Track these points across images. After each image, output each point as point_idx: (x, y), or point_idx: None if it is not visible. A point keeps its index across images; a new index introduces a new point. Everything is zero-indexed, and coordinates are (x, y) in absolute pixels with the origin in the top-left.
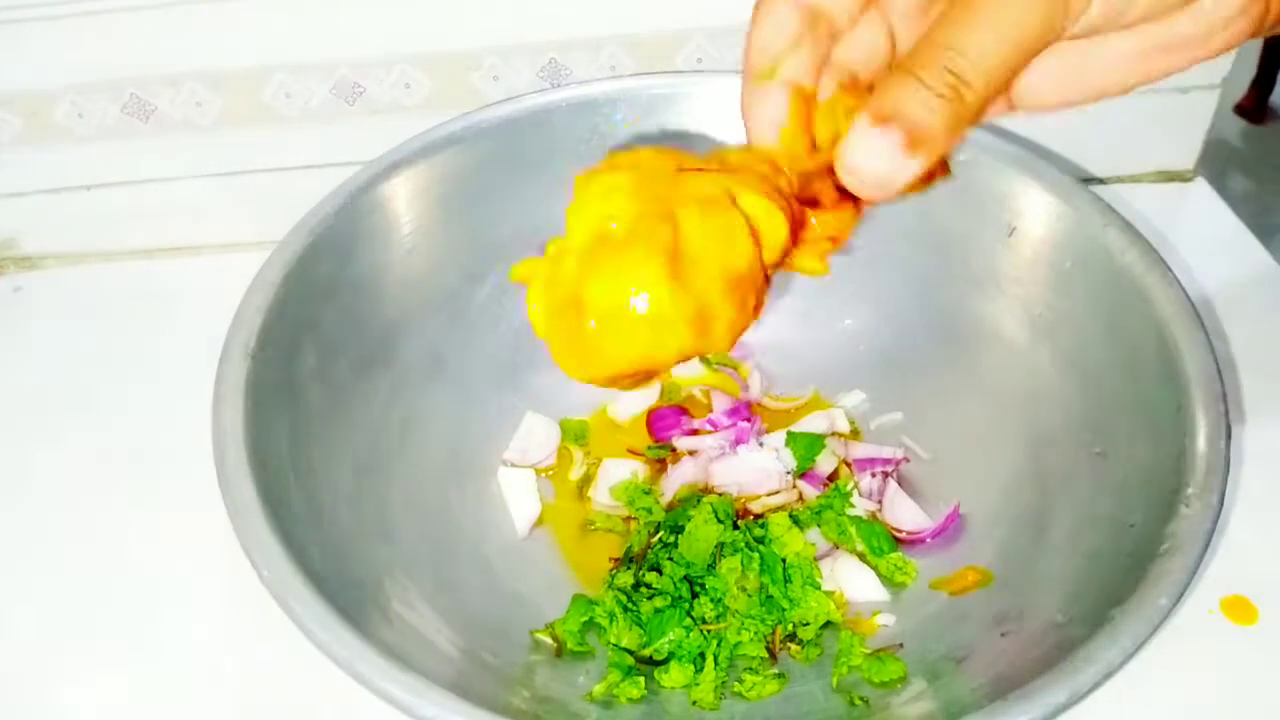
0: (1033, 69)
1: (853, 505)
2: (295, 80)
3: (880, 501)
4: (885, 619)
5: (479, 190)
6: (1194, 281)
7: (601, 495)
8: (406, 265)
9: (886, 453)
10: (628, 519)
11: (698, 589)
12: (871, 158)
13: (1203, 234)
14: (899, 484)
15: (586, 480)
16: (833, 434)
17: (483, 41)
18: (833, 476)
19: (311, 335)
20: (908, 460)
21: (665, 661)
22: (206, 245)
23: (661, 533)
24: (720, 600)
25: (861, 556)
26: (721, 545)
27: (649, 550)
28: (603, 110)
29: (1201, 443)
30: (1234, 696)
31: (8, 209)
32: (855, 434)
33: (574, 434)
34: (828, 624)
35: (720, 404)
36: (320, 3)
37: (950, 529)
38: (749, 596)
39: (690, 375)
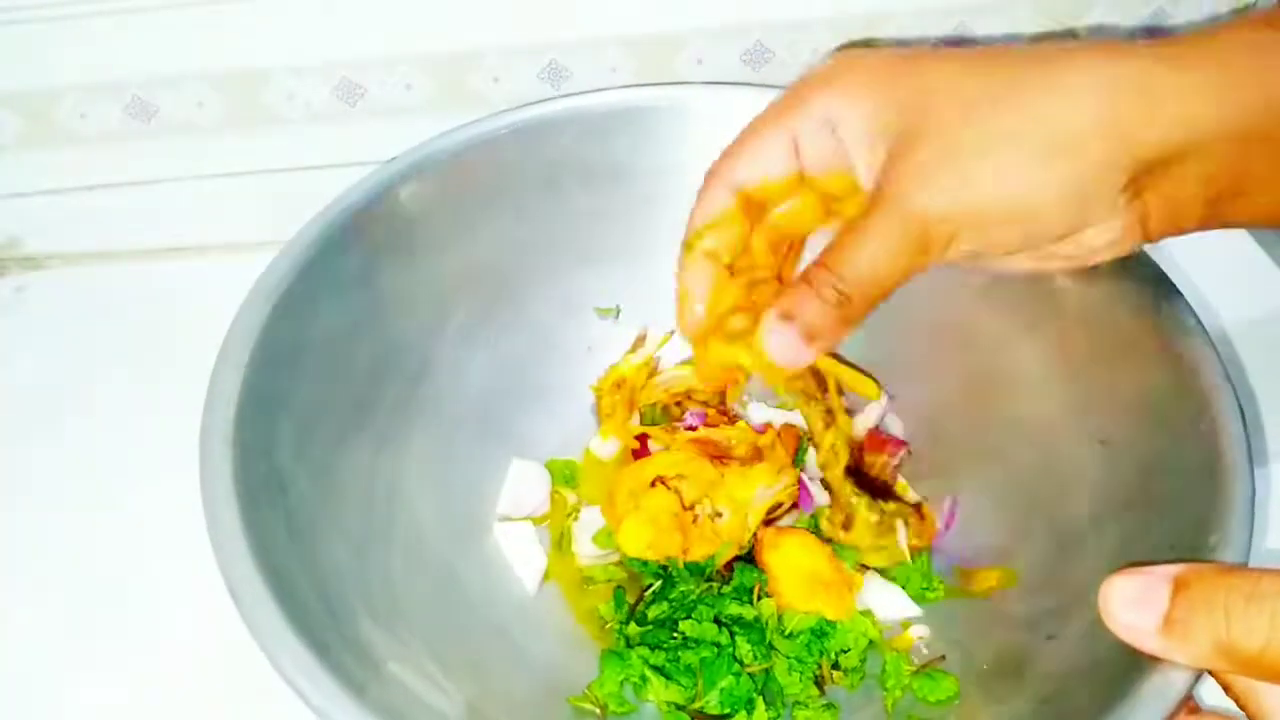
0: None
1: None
2: (297, 81)
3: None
4: (918, 630)
5: (429, 233)
6: (1192, 284)
7: (585, 547)
8: (366, 317)
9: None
10: (621, 562)
11: (735, 630)
12: (779, 345)
13: (1200, 235)
14: None
15: (564, 537)
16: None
17: (483, 43)
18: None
19: (285, 410)
20: (909, 451)
21: (725, 718)
22: (209, 246)
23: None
24: (763, 640)
25: (884, 573)
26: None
27: (649, 594)
28: (552, 133)
29: (1219, 427)
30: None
31: (10, 209)
32: None
33: (563, 476)
34: (868, 645)
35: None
36: (321, 4)
37: (954, 526)
38: (789, 640)
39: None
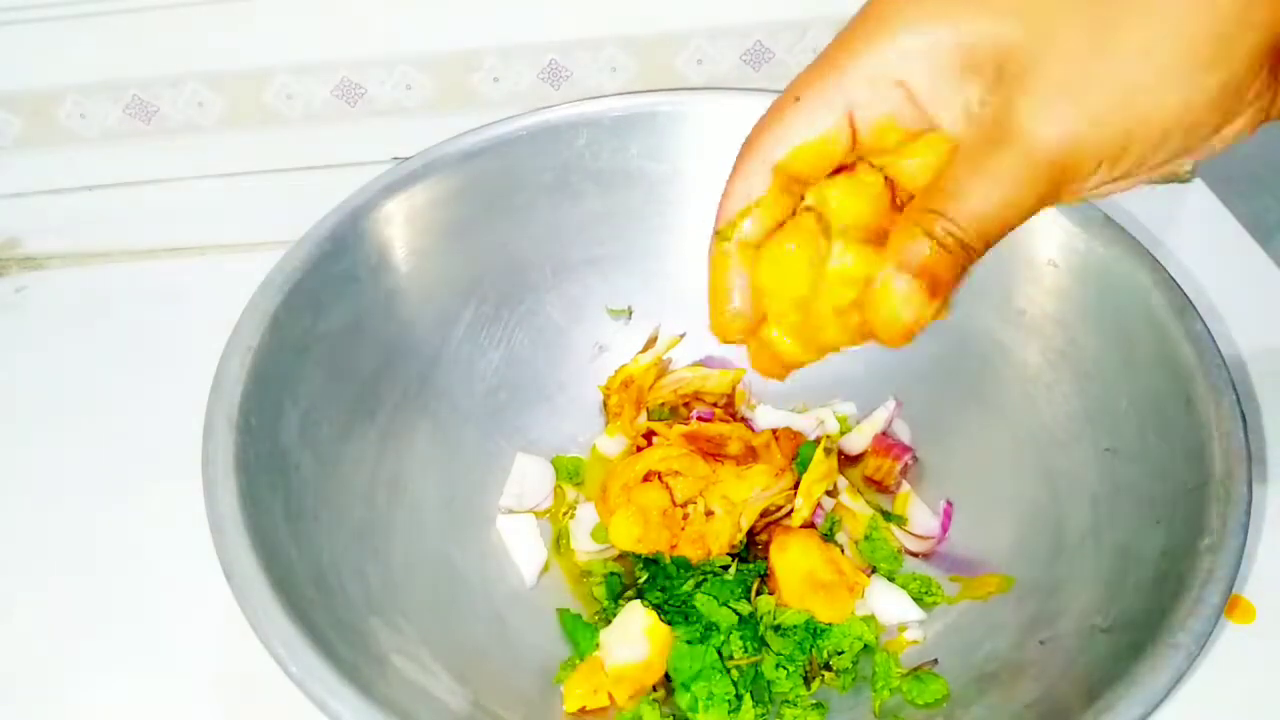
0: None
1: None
2: (297, 81)
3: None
4: (913, 634)
5: (446, 228)
6: (1193, 282)
7: (583, 542)
8: (379, 312)
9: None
10: (620, 556)
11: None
12: (906, 302)
13: (1201, 235)
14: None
15: (562, 535)
16: (825, 436)
17: (483, 42)
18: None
19: (292, 397)
20: (915, 456)
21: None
22: (209, 246)
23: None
24: (756, 636)
25: (889, 577)
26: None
27: (642, 584)
28: (565, 137)
29: (1219, 432)
30: (1232, 696)
31: (10, 209)
32: (846, 433)
33: (568, 472)
34: (862, 648)
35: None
36: (321, 4)
37: (950, 530)
38: (782, 637)
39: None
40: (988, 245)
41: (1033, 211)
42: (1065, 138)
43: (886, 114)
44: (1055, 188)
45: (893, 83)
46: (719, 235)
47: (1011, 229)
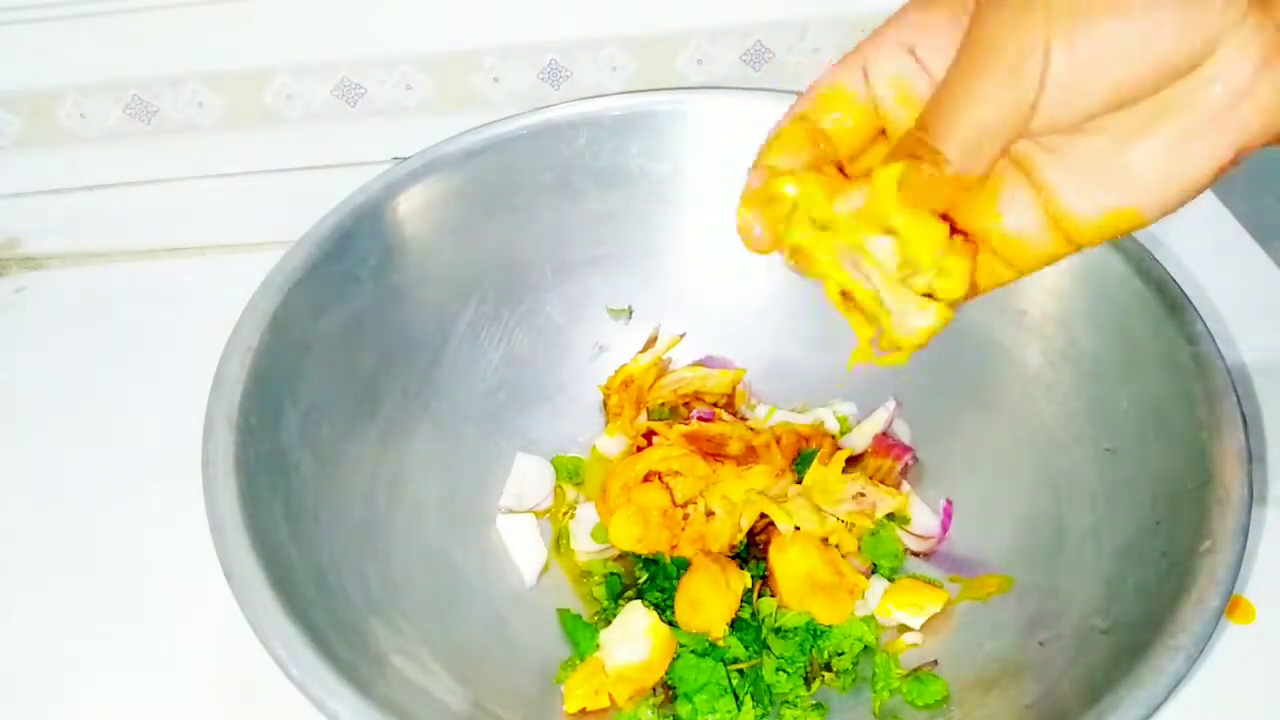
0: (1077, 196)
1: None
2: (297, 81)
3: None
4: (913, 636)
5: (446, 228)
6: (1193, 282)
7: (583, 543)
8: (378, 313)
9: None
10: (620, 556)
11: (729, 629)
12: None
13: (1201, 235)
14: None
15: (562, 535)
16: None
17: (483, 42)
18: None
19: (292, 397)
20: (915, 457)
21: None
22: (209, 246)
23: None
24: (757, 639)
25: (889, 576)
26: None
27: (641, 584)
28: (565, 136)
29: (1219, 432)
30: (1232, 696)
31: (10, 209)
32: (846, 433)
33: (568, 472)
34: (862, 649)
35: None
36: (321, 4)
37: (950, 531)
38: (783, 639)
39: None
40: (963, 158)
41: (999, 109)
42: (1003, 12)
43: (894, 72)
44: (1011, 75)
45: (904, 48)
46: (754, 165)
47: (986, 138)
